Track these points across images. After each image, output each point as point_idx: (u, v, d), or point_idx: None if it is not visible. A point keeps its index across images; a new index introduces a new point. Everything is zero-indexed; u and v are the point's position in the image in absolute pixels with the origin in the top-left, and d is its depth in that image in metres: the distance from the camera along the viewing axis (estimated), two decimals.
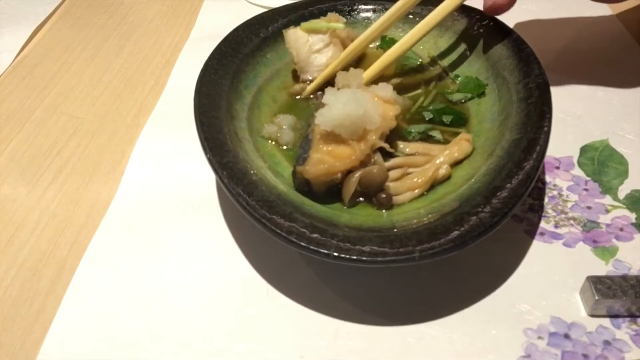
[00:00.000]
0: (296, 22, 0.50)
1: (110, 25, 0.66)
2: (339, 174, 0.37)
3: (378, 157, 0.39)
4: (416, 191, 0.38)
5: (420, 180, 0.38)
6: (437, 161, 0.39)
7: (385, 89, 0.41)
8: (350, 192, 0.37)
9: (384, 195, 0.38)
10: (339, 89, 0.42)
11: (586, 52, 0.56)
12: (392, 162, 0.40)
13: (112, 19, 0.67)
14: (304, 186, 0.38)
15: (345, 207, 0.38)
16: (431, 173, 0.38)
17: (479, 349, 0.33)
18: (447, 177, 0.39)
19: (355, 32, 0.49)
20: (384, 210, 0.38)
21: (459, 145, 0.40)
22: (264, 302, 0.36)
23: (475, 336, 0.34)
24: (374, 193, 0.38)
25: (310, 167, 0.37)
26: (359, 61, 0.50)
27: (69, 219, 0.43)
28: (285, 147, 0.43)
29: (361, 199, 0.39)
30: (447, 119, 0.44)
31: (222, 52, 0.46)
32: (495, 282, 0.37)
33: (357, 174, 0.37)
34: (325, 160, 0.37)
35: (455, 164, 0.40)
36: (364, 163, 0.38)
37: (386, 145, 0.39)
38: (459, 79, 0.47)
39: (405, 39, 0.45)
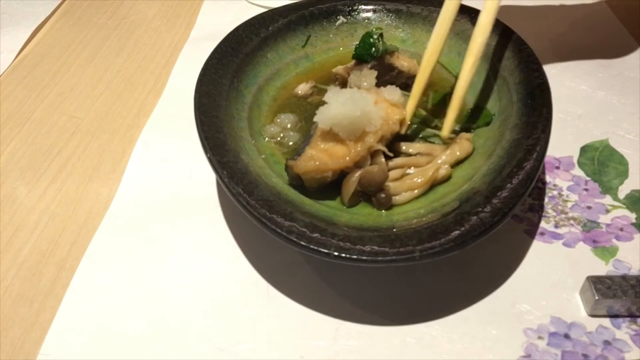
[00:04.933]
0: (296, 22, 0.50)
1: (110, 25, 0.66)
2: (330, 173, 0.37)
3: (379, 159, 0.39)
4: (416, 191, 0.38)
5: (420, 180, 0.38)
6: (438, 161, 0.39)
7: (393, 92, 0.41)
8: (350, 192, 0.37)
9: (383, 195, 0.38)
10: (350, 87, 0.42)
11: (586, 52, 0.56)
12: (394, 162, 0.40)
13: (112, 19, 0.67)
14: (296, 180, 0.38)
15: (345, 207, 0.38)
16: (431, 173, 0.38)
17: (479, 349, 0.33)
18: (448, 178, 0.39)
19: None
20: (383, 211, 0.38)
21: (460, 145, 0.40)
22: (264, 302, 0.36)
23: (475, 336, 0.34)
24: (373, 193, 0.38)
25: (301, 162, 0.37)
26: None
27: (69, 219, 0.43)
28: (286, 147, 0.43)
29: (361, 199, 0.39)
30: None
31: (222, 51, 0.46)
32: (495, 282, 0.37)
33: (357, 174, 0.37)
34: (317, 157, 0.37)
35: (457, 163, 0.40)
36: (358, 164, 0.38)
37: (385, 149, 0.39)
38: (469, 108, 0.45)
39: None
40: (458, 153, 0.40)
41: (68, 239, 0.41)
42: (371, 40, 0.45)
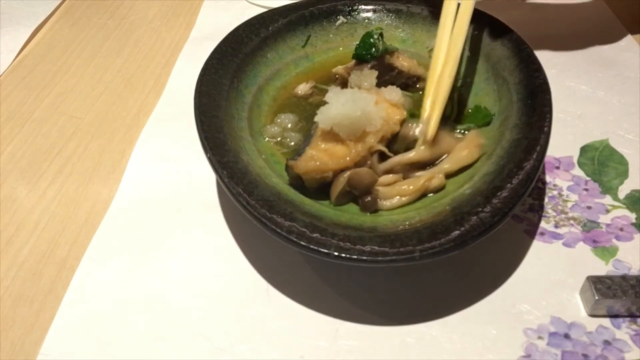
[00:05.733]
0: (296, 22, 0.50)
1: (110, 25, 0.66)
2: (330, 173, 0.37)
3: (373, 159, 0.38)
4: (404, 198, 0.38)
5: (411, 187, 0.38)
6: (445, 166, 0.39)
7: (393, 92, 0.41)
8: (337, 191, 0.37)
9: (368, 199, 0.37)
10: (351, 87, 0.42)
11: (586, 52, 0.56)
12: (389, 162, 0.39)
13: (112, 19, 0.67)
14: (296, 180, 0.38)
15: (345, 206, 0.38)
16: (422, 182, 0.38)
17: (479, 349, 0.33)
18: (442, 188, 0.38)
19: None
20: (381, 211, 0.38)
21: (468, 151, 0.39)
22: (264, 302, 0.36)
23: (475, 336, 0.34)
24: (360, 194, 0.38)
25: (301, 162, 0.37)
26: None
27: (69, 219, 0.43)
28: (286, 147, 0.43)
29: (350, 200, 0.39)
30: None
31: (222, 51, 0.46)
32: (495, 282, 0.37)
33: (347, 173, 0.37)
34: (318, 157, 0.37)
35: (461, 170, 0.39)
36: (358, 165, 0.38)
37: (385, 149, 0.39)
38: (470, 110, 0.44)
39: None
40: (462, 161, 0.39)
41: (68, 239, 0.41)
42: (371, 40, 0.45)
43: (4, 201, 0.45)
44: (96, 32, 0.64)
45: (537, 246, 0.39)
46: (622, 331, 0.34)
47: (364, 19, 0.52)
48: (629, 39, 0.57)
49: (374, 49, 0.45)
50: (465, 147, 0.40)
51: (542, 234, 0.39)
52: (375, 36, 0.45)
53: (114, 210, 0.43)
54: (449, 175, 0.39)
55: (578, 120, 0.48)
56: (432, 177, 0.38)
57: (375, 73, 0.43)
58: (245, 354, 0.34)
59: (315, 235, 0.33)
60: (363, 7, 0.52)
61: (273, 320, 0.35)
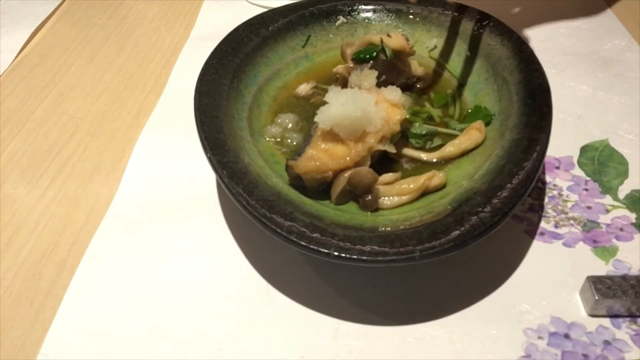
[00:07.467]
0: (296, 22, 0.50)
1: (110, 25, 0.66)
2: (330, 173, 0.37)
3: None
4: (404, 197, 0.38)
5: (411, 186, 0.38)
6: (447, 150, 0.40)
7: (393, 93, 0.41)
8: (338, 190, 0.37)
9: (369, 198, 0.37)
10: (351, 87, 0.42)
11: (586, 52, 0.56)
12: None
13: (112, 19, 0.67)
14: (296, 181, 0.38)
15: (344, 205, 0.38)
16: (422, 181, 0.38)
17: (479, 349, 0.33)
18: (442, 187, 0.38)
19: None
20: (380, 210, 0.38)
21: (469, 135, 0.40)
22: (264, 302, 0.36)
23: (475, 336, 0.34)
24: (360, 194, 0.38)
25: (301, 163, 0.37)
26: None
27: (69, 219, 0.43)
28: (287, 147, 0.43)
29: (351, 199, 0.39)
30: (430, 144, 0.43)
31: (222, 51, 0.46)
32: (495, 282, 0.37)
33: (348, 173, 0.37)
34: (318, 157, 0.37)
35: (465, 153, 0.40)
36: (358, 165, 0.38)
37: (387, 148, 0.39)
38: (470, 110, 0.45)
39: None
40: (465, 144, 0.40)
41: (68, 239, 0.41)
42: (373, 54, 0.46)
43: (4, 201, 0.45)
44: (96, 32, 0.64)
45: (537, 246, 0.39)
46: (622, 331, 0.34)
47: (364, 19, 0.52)
48: (629, 39, 0.57)
49: (374, 54, 0.45)
50: (467, 132, 0.40)
51: (542, 234, 0.39)
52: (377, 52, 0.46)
53: (114, 210, 0.43)
54: (452, 161, 0.40)
55: (578, 120, 0.48)
56: (433, 175, 0.38)
57: (375, 73, 0.43)
58: (245, 354, 0.34)
59: (315, 235, 0.33)
60: (363, 7, 0.52)
61: (273, 320, 0.35)
